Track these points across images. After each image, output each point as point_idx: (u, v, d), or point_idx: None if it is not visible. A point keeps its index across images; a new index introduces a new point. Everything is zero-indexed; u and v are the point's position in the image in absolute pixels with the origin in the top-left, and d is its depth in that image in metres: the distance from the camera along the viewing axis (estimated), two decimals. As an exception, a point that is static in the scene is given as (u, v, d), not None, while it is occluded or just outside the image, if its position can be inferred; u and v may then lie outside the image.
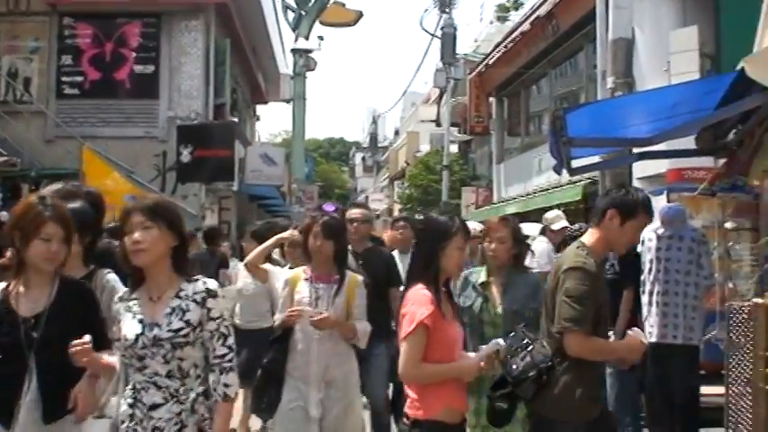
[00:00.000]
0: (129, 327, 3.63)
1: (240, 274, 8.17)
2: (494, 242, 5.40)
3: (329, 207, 6.78)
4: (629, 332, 4.25)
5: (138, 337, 3.58)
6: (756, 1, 5.93)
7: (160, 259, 3.66)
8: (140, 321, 3.62)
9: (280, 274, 6.31)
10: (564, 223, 10.21)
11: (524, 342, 4.07)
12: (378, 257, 7.14)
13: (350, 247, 6.88)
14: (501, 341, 4.13)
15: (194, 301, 3.64)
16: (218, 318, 3.66)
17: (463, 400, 4.16)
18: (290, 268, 6.28)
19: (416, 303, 3.99)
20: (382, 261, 7.13)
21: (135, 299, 3.72)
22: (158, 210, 3.67)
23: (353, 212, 7.19)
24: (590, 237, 4.29)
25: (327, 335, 5.35)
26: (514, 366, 4.01)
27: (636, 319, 7.21)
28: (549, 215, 10.58)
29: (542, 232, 10.50)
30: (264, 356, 5.60)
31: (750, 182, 5.76)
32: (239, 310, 8.12)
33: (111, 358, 3.68)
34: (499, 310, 5.30)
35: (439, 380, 4.03)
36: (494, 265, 5.47)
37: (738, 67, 5.01)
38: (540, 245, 10.15)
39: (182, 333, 3.57)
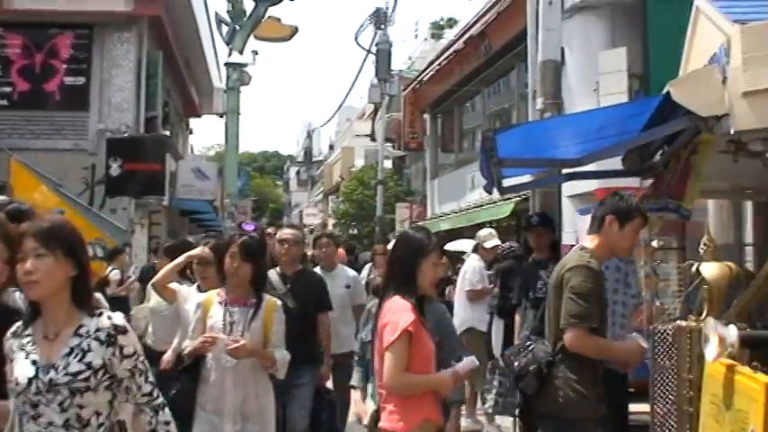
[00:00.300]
0: (21, 368, 3.13)
1: (151, 291, 7.54)
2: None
3: (249, 226, 6.67)
4: (629, 336, 4.40)
5: (30, 380, 3.09)
6: (683, 22, 6.07)
7: (57, 292, 3.13)
8: (34, 363, 3.12)
9: (188, 295, 6.01)
10: (496, 241, 10.30)
11: (526, 343, 4.27)
12: (308, 281, 6.98)
13: (278, 269, 6.82)
14: (475, 359, 4.21)
15: (97, 339, 3.14)
16: (132, 355, 3.20)
17: (439, 413, 4.18)
18: (199, 288, 6.01)
19: (397, 312, 4.00)
20: (312, 285, 6.98)
21: (29, 335, 3.21)
22: (55, 234, 3.14)
23: (285, 233, 7.00)
24: (591, 242, 4.51)
25: (243, 364, 4.98)
26: (516, 363, 4.10)
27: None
28: (481, 233, 10.65)
29: (475, 250, 10.56)
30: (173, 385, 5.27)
31: (686, 206, 5.88)
32: (152, 329, 7.70)
33: (3, 403, 3.24)
34: None
35: (419, 391, 4.04)
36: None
37: (664, 91, 5.11)
38: (473, 262, 10.20)
39: (81, 377, 3.09)
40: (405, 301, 4.03)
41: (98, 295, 6.90)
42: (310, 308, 6.61)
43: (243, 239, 5.23)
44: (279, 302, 5.28)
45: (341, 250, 11.71)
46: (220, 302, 5.15)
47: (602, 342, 4.25)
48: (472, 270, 10.00)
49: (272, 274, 6.52)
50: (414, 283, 4.12)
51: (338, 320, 7.51)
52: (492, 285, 9.59)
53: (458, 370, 4.11)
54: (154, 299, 7.51)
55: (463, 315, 9.91)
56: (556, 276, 4.38)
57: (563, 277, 4.29)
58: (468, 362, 4.15)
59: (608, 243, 4.47)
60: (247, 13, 19.71)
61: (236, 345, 4.87)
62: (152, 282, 6.72)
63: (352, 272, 8.82)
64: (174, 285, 6.25)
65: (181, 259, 6.27)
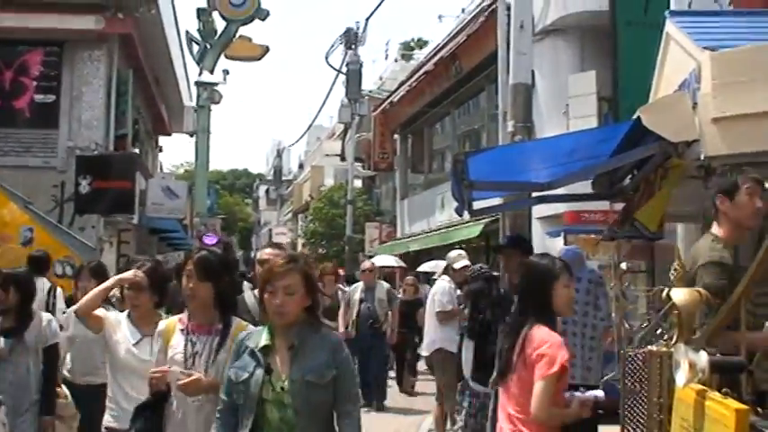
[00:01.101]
0: None
1: (71, 318, 6.67)
2: (278, 293, 3.89)
3: (210, 239, 5.94)
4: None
5: None
6: (652, 47, 6.16)
7: None
8: None
9: (117, 323, 5.18)
10: (465, 262, 10.32)
11: None
12: None
13: (256, 292, 6.51)
14: (601, 393, 4.42)
15: None
16: None
17: None
18: (129, 316, 5.22)
19: (554, 346, 4.18)
20: None
21: None
22: None
23: (265, 253, 6.70)
24: (717, 228, 4.48)
25: (211, 400, 4.20)
26: None
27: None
28: (451, 254, 10.69)
29: (445, 271, 10.60)
30: (100, 417, 4.81)
31: (650, 228, 5.93)
32: (70, 360, 6.95)
33: None
34: (286, 384, 3.82)
35: (559, 423, 4.28)
36: (278, 323, 3.94)
37: (635, 116, 5.17)
38: (442, 284, 10.23)
39: None
40: (557, 336, 4.25)
41: (47, 315, 6.71)
42: None
43: (199, 255, 4.47)
44: (251, 327, 4.35)
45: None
46: (182, 330, 4.43)
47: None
48: (442, 291, 10.03)
49: (249, 297, 5.92)
50: (550, 308, 4.37)
51: None
52: (462, 306, 9.62)
53: (584, 401, 4.29)
54: (74, 326, 6.67)
55: (433, 336, 9.95)
56: (689, 268, 4.27)
57: (696, 274, 4.27)
58: (591, 395, 4.33)
59: (730, 222, 4.43)
60: (218, 33, 19.71)
61: (187, 380, 4.17)
62: (74, 308, 5.85)
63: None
64: (100, 312, 5.26)
65: (108, 283, 5.43)
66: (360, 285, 12.99)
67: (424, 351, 10.42)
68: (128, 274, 5.24)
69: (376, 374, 12.71)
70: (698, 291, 3.68)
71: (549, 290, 4.35)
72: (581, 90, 12.84)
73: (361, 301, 12.61)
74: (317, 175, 52.30)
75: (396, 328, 12.92)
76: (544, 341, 4.21)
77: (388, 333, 12.81)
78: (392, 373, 14.70)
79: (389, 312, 12.81)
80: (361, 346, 12.04)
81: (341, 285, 14.54)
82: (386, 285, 13.30)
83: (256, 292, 5.43)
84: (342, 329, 12.11)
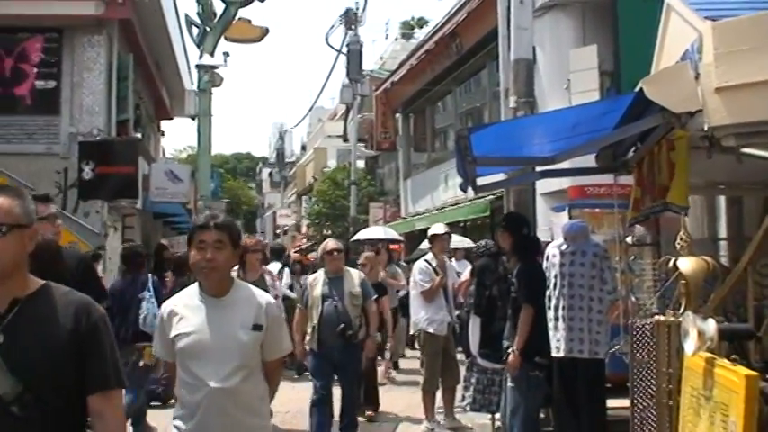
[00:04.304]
0: None
1: None
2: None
3: None
4: None
5: None
6: (653, 20, 6.13)
7: None
8: None
9: None
10: (445, 229, 10.20)
11: None
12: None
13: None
14: None
15: None
16: None
17: None
18: None
19: None
20: None
21: None
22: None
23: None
24: None
25: None
26: None
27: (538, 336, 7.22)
28: (432, 228, 10.50)
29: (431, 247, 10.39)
30: None
31: (679, 204, 5.86)
32: None
33: None
34: None
35: None
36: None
37: (637, 88, 5.16)
38: (419, 263, 9.90)
39: None
40: None
41: None
42: None
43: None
44: None
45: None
46: None
47: None
48: (419, 270, 9.79)
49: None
50: None
51: None
52: (441, 276, 9.58)
53: None
54: None
55: (414, 317, 9.83)
56: None
57: None
58: None
59: None
60: (217, 15, 19.60)
61: None
62: None
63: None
64: None
65: None
66: (320, 275, 8.50)
67: (411, 328, 10.36)
68: None
69: (345, 404, 8.34)
70: (704, 259, 3.69)
71: None
72: (582, 65, 12.79)
73: (324, 297, 8.27)
74: (320, 157, 52.27)
75: (374, 333, 8.72)
76: None
77: (368, 344, 8.56)
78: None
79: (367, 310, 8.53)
80: (327, 362, 8.27)
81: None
82: (358, 274, 8.71)
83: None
84: (298, 341, 8.30)
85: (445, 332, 9.58)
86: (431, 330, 9.48)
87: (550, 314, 7.48)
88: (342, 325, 8.07)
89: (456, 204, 20.93)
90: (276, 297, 7.29)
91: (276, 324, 4.11)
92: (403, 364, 14.54)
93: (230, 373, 3.85)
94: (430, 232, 10.23)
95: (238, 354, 3.89)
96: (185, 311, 3.95)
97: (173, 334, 3.93)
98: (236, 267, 7.57)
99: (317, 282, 8.40)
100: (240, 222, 75.09)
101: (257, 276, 8.40)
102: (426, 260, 9.87)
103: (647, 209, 6.44)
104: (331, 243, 8.66)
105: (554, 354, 7.34)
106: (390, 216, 30.07)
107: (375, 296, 8.75)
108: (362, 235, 20.68)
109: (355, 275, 8.53)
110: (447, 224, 11.35)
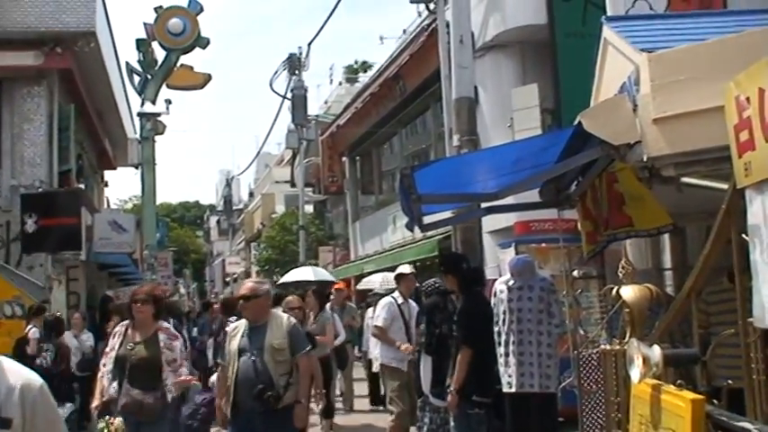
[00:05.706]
0: None
1: None
2: None
3: None
4: None
5: None
6: (591, 56, 6.22)
7: None
8: None
9: None
10: (410, 268, 10.39)
11: None
12: None
13: None
14: None
15: None
16: None
17: None
18: None
19: None
20: None
21: None
22: None
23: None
24: None
25: None
26: None
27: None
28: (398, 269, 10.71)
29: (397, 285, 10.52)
30: None
31: (644, 228, 5.90)
32: None
33: None
34: None
35: None
36: None
37: (576, 122, 5.21)
38: (385, 299, 10.22)
39: None
40: None
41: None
42: None
43: None
44: None
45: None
46: None
47: None
48: (382, 305, 10.02)
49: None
50: None
51: None
52: (418, 323, 9.60)
53: None
54: None
55: (375, 352, 9.95)
56: None
57: None
58: None
59: None
60: (159, 62, 19.50)
61: None
62: None
63: None
64: None
65: None
66: (242, 324, 6.66)
67: (373, 365, 10.43)
68: None
69: None
70: (647, 287, 3.71)
71: None
72: (524, 103, 12.93)
73: (240, 352, 6.41)
74: (267, 203, 52.02)
75: (306, 396, 6.74)
76: None
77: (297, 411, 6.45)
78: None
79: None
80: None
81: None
82: (287, 322, 6.59)
83: None
84: (217, 405, 6.78)
85: (406, 368, 9.57)
86: (393, 365, 9.49)
87: (501, 350, 7.47)
88: (260, 386, 6.20)
89: (404, 246, 20.91)
90: (173, 361, 6.77)
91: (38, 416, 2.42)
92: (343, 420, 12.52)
93: None
94: (396, 272, 10.47)
95: None
96: None
97: None
98: (125, 322, 6.98)
99: (236, 332, 6.58)
100: (189, 271, 74.37)
101: (149, 334, 6.92)
102: (393, 297, 10.04)
103: (603, 239, 6.49)
104: (246, 285, 6.79)
105: (505, 389, 7.33)
106: (340, 259, 29.97)
107: (309, 348, 6.73)
108: (290, 277, 19.38)
109: (283, 323, 6.52)
110: (396, 266, 11.43)
